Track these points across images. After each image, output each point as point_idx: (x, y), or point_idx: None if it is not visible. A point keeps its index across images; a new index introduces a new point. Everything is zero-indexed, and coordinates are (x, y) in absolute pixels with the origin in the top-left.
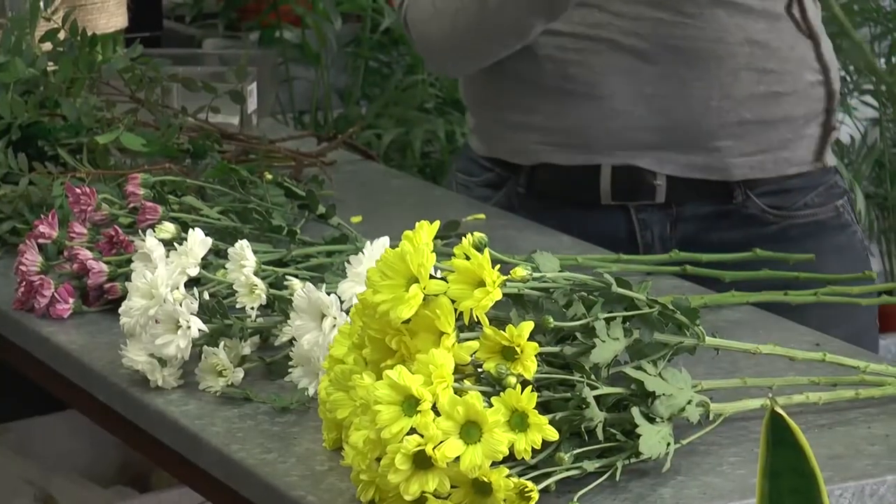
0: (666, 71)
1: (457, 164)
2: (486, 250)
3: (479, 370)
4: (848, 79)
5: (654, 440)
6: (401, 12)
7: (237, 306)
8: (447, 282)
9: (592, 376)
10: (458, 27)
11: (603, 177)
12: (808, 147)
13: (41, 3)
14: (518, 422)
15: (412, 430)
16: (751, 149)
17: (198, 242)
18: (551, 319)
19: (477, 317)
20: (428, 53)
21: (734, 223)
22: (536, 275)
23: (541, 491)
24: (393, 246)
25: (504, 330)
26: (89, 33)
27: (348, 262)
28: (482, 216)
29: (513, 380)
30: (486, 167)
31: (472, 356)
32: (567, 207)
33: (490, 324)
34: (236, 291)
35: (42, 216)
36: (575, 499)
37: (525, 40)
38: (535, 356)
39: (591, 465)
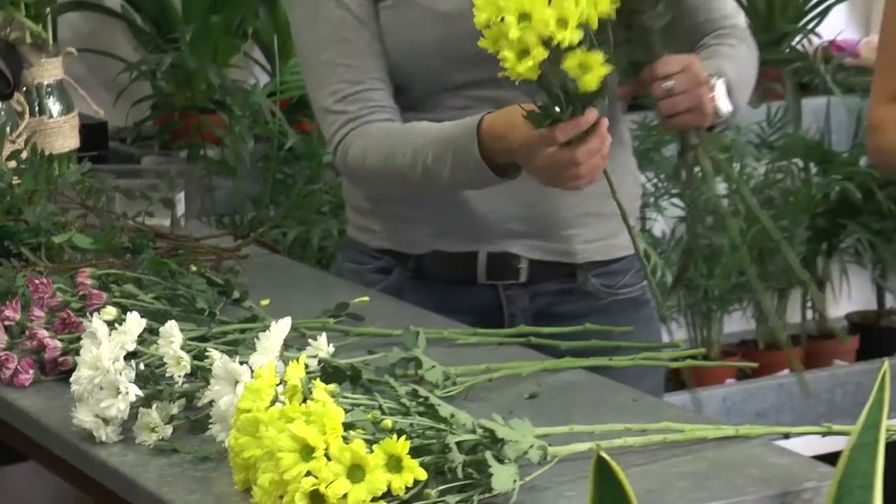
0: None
1: (344, 255)
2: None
3: None
4: (660, 184)
5: (503, 478)
6: (335, 155)
7: (167, 375)
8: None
9: (453, 426)
10: (389, 183)
11: (479, 261)
12: (627, 237)
13: (7, 129)
14: (394, 464)
15: (308, 473)
16: (591, 237)
17: (135, 323)
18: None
19: None
20: (359, 185)
21: (576, 298)
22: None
23: None
24: (294, 323)
25: None
26: (47, 153)
27: (257, 337)
28: (366, 298)
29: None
30: (376, 256)
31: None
32: (449, 285)
33: None
34: (166, 363)
35: (7, 302)
36: None
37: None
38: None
39: (453, 500)
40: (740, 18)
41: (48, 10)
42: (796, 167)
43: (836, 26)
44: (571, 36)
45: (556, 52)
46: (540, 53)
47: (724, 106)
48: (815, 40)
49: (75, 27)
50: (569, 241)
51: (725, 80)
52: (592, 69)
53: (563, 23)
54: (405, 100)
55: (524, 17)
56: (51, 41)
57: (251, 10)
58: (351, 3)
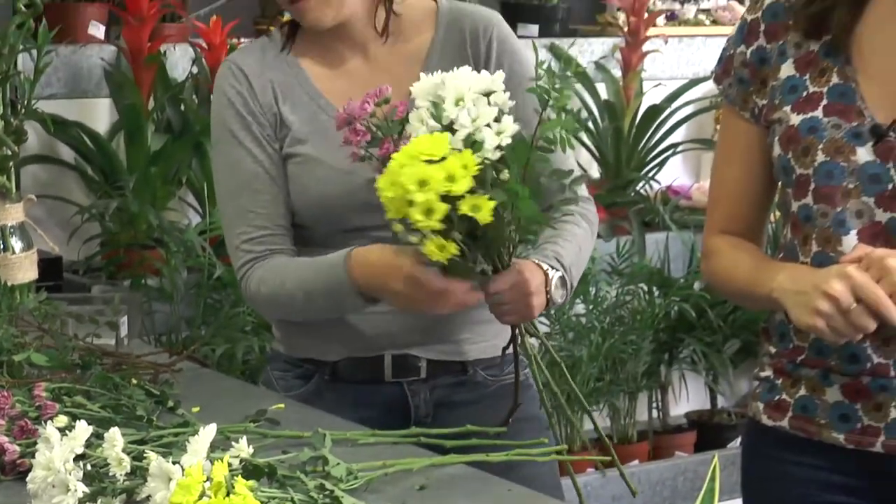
0: None
1: (271, 365)
2: None
3: None
4: None
5: None
6: (240, 285)
7: (110, 474)
8: None
9: None
10: (281, 309)
11: (386, 363)
12: (506, 336)
13: None
14: None
15: None
16: (479, 340)
17: (83, 430)
18: None
19: None
20: (259, 310)
21: (469, 388)
22: None
23: None
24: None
25: None
26: (10, 284)
27: (188, 441)
28: (282, 406)
29: None
30: (297, 365)
31: None
32: (361, 384)
33: None
34: (110, 463)
35: None
36: None
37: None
38: None
39: None
40: (577, 182)
41: (12, 163)
42: (642, 291)
43: (672, 174)
44: (462, 186)
45: (451, 199)
46: (441, 208)
47: (558, 296)
48: (656, 185)
49: (35, 176)
50: (460, 344)
51: (562, 273)
52: (483, 207)
53: (451, 178)
54: (310, 237)
55: (423, 182)
56: (14, 190)
57: (185, 162)
58: (264, 159)
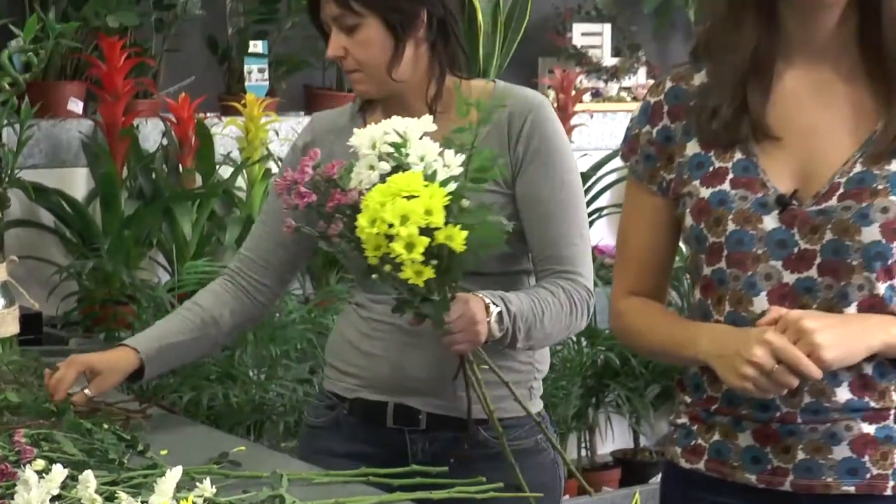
0: (431, 343)
1: (316, 395)
2: None
3: None
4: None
5: None
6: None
7: None
8: None
9: None
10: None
11: (388, 410)
12: (516, 403)
13: None
14: None
15: None
16: (494, 398)
17: (59, 473)
18: None
19: None
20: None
21: (470, 446)
22: None
23: None
24: (185, 470)
25: None
26: None
27: (156, 482)
28: (243, 448)
29: None
30: (328, 396)
31: None
32: (369, 425)
33: None
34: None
35: None
36: None
37: None
38: None
39: None
40: (580, 272)
41: None
42: (571, 341)
43: (598, 235)
44: (440, 219)
45: (430, 234)
46: (422, 241)
47: (496, 329)
48: None
49: (18, 239)
50: (461, 401)
51: (500, 310)
52: (456, 237)
53: (429, 212)
54: None
55: (405, 218)
56: None
57: (155, 225)
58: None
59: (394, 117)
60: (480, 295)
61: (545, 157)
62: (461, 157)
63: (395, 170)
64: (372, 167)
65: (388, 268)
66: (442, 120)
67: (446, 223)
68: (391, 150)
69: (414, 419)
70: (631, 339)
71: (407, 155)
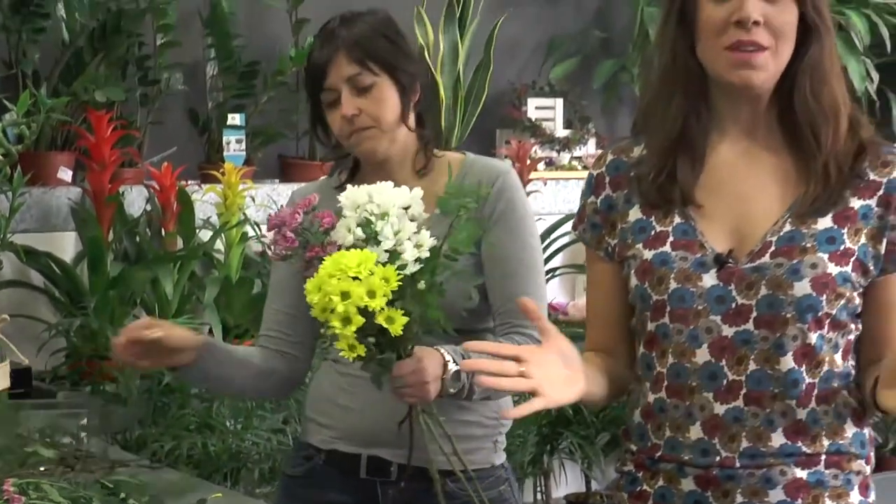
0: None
1: (294, 445)
2: None
3: None
4: None
5: None
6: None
7: None
8: None
9: None
10: None
11: (362, 462)
12: (483, 454)
13: None
14: None
15: None
16: (448, 450)
17: None
18: None
19: None
20: None
21: (437, 497)
22: None
23: None
24: None
25: None
26: None
27: None
28: (220, 494)
29: None
30: (304, 447)
31: None
32: (343, 475)
33: None
34: None
35: None
36: None
37: None
38: None
39: None
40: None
41: None
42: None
43: (552, 293)
44: (378, 304)
45: (369, 315)
46: (358, 320)
47: (451, 387)
48: None
49: (10, 298)
50: (428, 454)
51: (458, 369)
52: (396, 321)
53: (371, 293)
54: None
55: (345, 295)
56: None
57: (139, 286)
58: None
59: (387, 183)
60: (442, 351)
61: (510, 220)
62: (433, 241)
63: (372, 238)
64: (349, 230)
65: (329, 332)
66: (424, 184)
67: (393, 303)
68: (369, 217)
69: (385, 470)
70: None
71: (378, 232)
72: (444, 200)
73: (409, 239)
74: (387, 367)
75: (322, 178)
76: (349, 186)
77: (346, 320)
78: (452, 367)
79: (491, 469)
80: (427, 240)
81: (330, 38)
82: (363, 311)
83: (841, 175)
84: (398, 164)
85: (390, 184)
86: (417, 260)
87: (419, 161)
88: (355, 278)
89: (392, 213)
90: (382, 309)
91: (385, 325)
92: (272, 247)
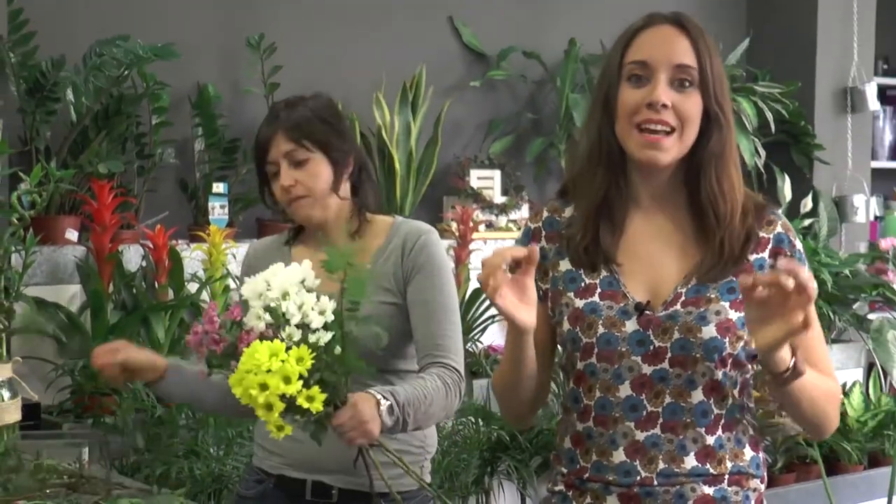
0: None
1: (246, 469)
2: None
3: None
4: None
5: None
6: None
7: None
8: None
9: None
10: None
11: (307, 486)
12: (411, 478)
13: None
14: None
15: None
16: (386, 474)
17: None
18: None
19: None
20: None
21: None
22: None
23: None
24: None
25: None
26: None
27: None
28: None
29: None
30: (256, 472)
31: None
32: (290, 498)
33: None
34: None
35: None
36: None
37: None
38: None
39: None
40: (453, 359)
41: (3, 334)
42: (470, 422)
43: (492, 337)
44: (294, 388)
45: (290, 399)
46: (279, 406)
47: (388, 420)
48: (480, 345)
49: (22, 342)
50: (366, 479)
51: (391, 403)
52: (316, 398)
53: (287, 379)
54: None
55: (263, 386)
56: (4, 354)
57: (135, 332)
58: None
59: (278, 264)
60: (373, 392)
61: (429, 270)
62: (332, 303)
63: (281, 319)
64: (259, 317)
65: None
66: (361, 247)
67: (315, 372)
68: (272, 304)
69: (328, 494)
70: (499, 400)
71: (284, 312)
72: (329, 263)
73: (312, 308)
74: (323, 422)
75: (275, 234)
76: (292, 247)
77: (269, 407)
78: (384, 403)
79: (419, 490)
80: (327, 303)
81: (273, 119)
82: (283, 397)
83: (732, 253)
84: (333, 227)
85: (281, 265)
86: (325, 325)
87: (353, 224)
88: (269, 371)
89: (291, 290)
90: (300, 391)
91: (306, 406)
92: (205, 363)
